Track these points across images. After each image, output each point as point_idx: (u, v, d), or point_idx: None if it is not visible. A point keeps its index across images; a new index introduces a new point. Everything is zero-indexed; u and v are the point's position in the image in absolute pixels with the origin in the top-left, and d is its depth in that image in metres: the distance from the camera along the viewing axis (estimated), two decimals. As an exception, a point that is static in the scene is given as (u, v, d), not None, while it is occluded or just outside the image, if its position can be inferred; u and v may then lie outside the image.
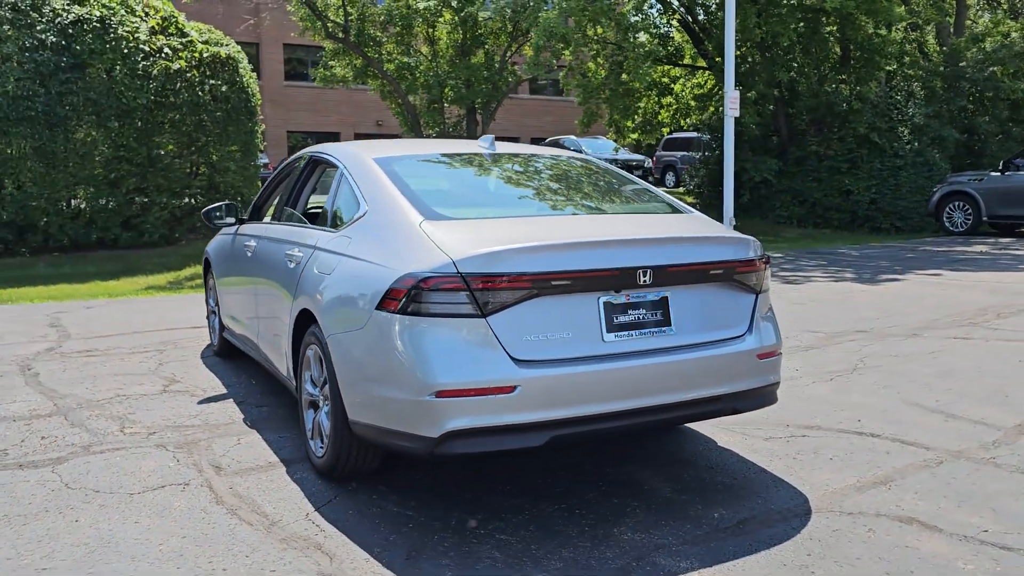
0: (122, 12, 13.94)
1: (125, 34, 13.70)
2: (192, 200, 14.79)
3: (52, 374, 5.74)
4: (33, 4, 13.22)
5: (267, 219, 5.28)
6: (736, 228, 16.33)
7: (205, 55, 14.65)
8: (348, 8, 18.80)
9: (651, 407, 3.25)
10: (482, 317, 3.03)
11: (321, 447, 3.73)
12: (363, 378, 3.31)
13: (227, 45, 15.24)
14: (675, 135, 26.22)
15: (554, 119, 36.92)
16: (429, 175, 4.11)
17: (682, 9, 19.86)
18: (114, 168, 13.82)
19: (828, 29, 18.75)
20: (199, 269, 10.55)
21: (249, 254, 5.03)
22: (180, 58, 14.29)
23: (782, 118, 19.42)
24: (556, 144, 26.36)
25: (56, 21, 13.24)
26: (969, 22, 23.78)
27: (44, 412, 4.84)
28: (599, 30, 17.96)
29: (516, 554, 3.04)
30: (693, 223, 3.86)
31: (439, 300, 3.04)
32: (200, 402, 5.05)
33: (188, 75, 14.32)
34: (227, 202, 5.55)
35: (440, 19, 19.66)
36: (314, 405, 3.85)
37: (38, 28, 13.06)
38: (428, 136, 20.18)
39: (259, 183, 15.54)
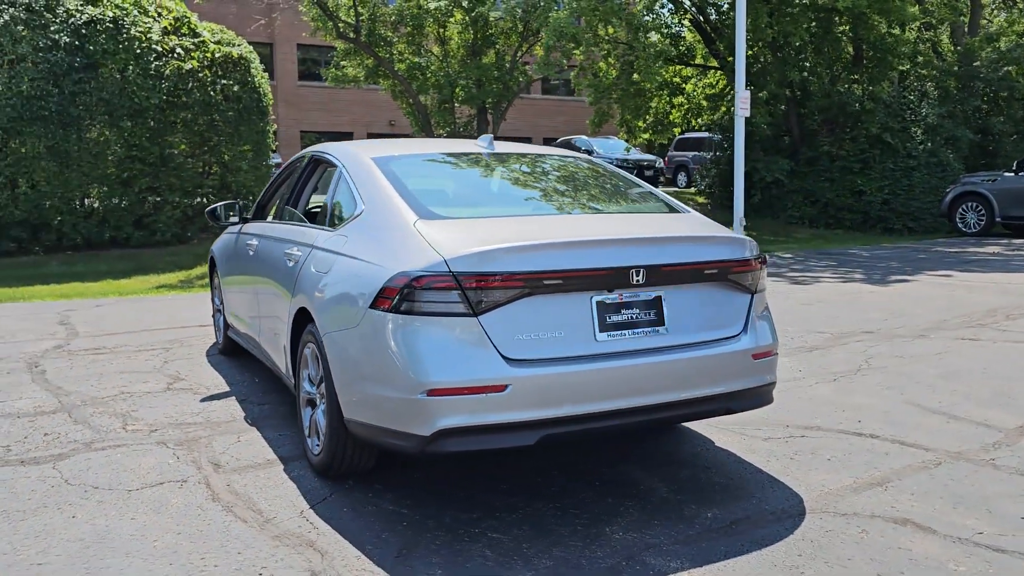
0: (135, 13, 14.05)
1: (138, 34, 13.81)
2: (204, 199, 14.87)
3: (59, 371, 5.80)
4: (47, 5, 13.35)
5: (269, 218, 5.31)
6: (747, 228, 16.28)
7: (217, 55, 14.74)
8: (359, 8, 18.86)
9: (644, 407, 3.25)
10: (474, 316, 3.04)
11: (318, 445, 3.75)
12: (357, 376, 3.33)
13: (239, 45, 15.33)
14: (687, 135, 26.15)
15: (567, 119, 36.89)
16: (426, 174, 4.12)
17: (693, 9, 19.81)
18: (127, 167, 13.93)
19: (841, 29, 18.65)
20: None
21: (251, 253, 5.06)
22: (192, 58, 14.38)
23: (794, 118, 19.33)
24: (567, 144, 26.33)
25: (69, 22, 13.35)
26: (984, 21, 23.59)
27: (49, 409, 4.89)
28: (610, 30, 17.93)
29: (507, 553, 3.05)
30: (689, 223, 3.86)
31: (431, 299, 3.05)
32: (203, 400, 5.09)
33: (200, 75, 14.42)
34: (231, 201, 5.59)
35: (451, 19, 19.68)
36: (311, 403, 3.87)
37: (52, 29, 13.19)
38: (439, 136, 20.21)
39: (270, 183, 15.59)
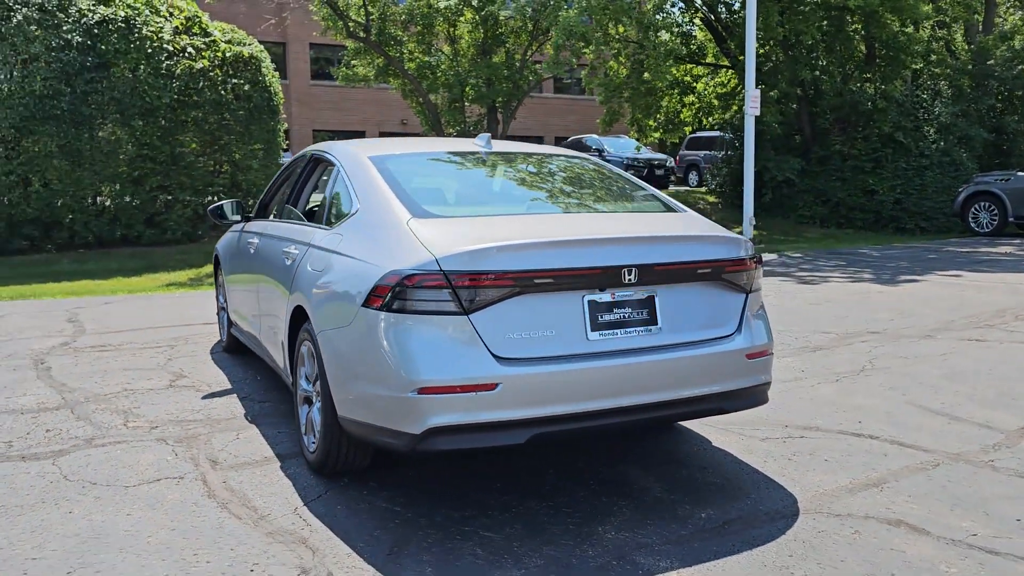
0: (146, 12, 14.14)
1: (149, 34, 13.90)
2: (215, 198, 14.95)
3: (64, 368, 5.85)
4: (60, 4, 13.46)
5: (271, 216, 5.34)
6: (757, 228, 16.23)
7: (228, 54, 14.82)
8: (369, 8, 18.90)
9: (636, 406, 3.24)
10: (464, 315, 3.05)
11: (313, 442, 3.77)
12: (351, 374, 3.34)
13: (250, 44, 15.40)
14: (699, 134, 26.07)
15: (578, 118, 36.85)
16: (423, 173, 4.13)
17: (704, 8, 19.74)
18: (138, 166, 14.04)
19: (853, 27, 18.54)
20: (216, 266, 10.68)
21: (252, 251, 5.09)
22: (203, 57, 14.46)
23: (805, 117, 19.24)
24: (578, 143, 26.31)
25: (82, 21, 13.46)
26: (998, 19, 23.39)
27: (52, 405, 4.93)
28: (620, 29, 17.90)
29: (498, 551, 3.06)
30: (684, 222, 3.85)
31: (422, 297, 3.06)
32: (204, 397, 5.12)
33: (211, 74, 14.50)
34: (233, 199, 5.62)
35: (461, 18, 19.70)
36: (308, 401, 3.89)
37: (64, 28, 13.29)
38: (449, 135, 20.23)
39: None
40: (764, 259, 13.08)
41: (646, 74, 18.28)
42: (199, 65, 14.33)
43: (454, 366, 3.04)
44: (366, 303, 3.20)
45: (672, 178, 26.44)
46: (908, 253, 13.75)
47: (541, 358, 3.12)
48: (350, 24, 18.96)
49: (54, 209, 13.50)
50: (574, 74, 23.36)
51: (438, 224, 3.37)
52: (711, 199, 21.42)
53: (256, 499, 3.53)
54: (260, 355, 5.16)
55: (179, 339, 6.90)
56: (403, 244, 3.25)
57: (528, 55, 20.35)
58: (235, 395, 5.16)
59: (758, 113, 14.16)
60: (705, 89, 21.59)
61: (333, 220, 3.98)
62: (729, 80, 20.91)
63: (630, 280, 3.25)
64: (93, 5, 13.69)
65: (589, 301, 3.23)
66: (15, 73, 12.94)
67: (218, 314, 6.66)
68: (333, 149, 4.44)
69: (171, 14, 14.66)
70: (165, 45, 14.06)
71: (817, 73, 18.83)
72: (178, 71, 14.07)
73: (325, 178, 4.39)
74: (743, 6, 16.56)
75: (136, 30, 13.81)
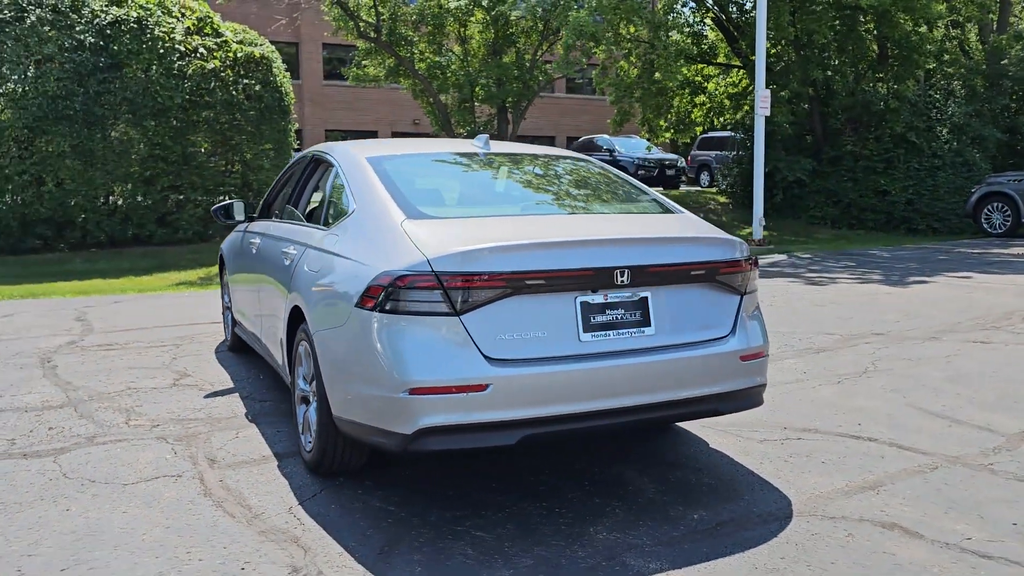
0: (159, 13, 14.25)
1: (161, 35, 14.00)
2: (226, 197, 15.03)
3: (69, 367, 5.90)
4: (73, 5, 13.58)
5: (273, 217, 5.37)
6: (767, 229, 16.18)
7: (239, 55, 14.91)
8: (379, 8, 18.95)
9: (628, 407, 3.24)
10: (455, 316, 3.06)
11: (310, 441, 3.79)
12: (345, 374, 3.36)
13: (261, 45, 15.49)
14: (711, 134, 25.99)
15: (591, 118, 36.78)
16: (420, 174, 4.14)
17: (715, 7, 19.68)
18: (150, 166, 14.14)
19: (865, 27, 18.44)
20: (226, 266, 10.74)
21: (254, 251, 5.13)
22: (215, 58, 14.55)
23: (817, 117, 19.16)
24: (589, 143, 26.27)
25: (95, 22, 13.57)
26: (1013, 19, 23.19)
27: (56, 403, 4.98)
28: (631, 28, 17.87)
29: (489, 551, 3.07)
30: (679, 223, 3.84)
31: (414, 298, 3.07)
32: (206, 396, 5.16)
33: (222, 74, 14.59)
34: (236, 200, 5.66)
35: (472, 18, 19.71)
36: (305, 400, 3.91)
37: (77, 29, 13.41)
38: (459, 135, 20.25)
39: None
40: (773, 260, 13.04)
41: (657, 74, 18.25)
42: (210, 65, 14.42)
43: (445, 367, 3.05)
44: (359, 303, 3.22)
45: (683, 178, 26.36)
46: (919, 254, 13.67)
47: (532, 359, 3.13)
48: (361, 24, 19.02)
49: (67, 209, 13.62)
50: (585, 74, 23.32)
51: (432, 225, 3.38)
52: (722, 199, 21.35)
53: (251, 498, 3.55)
54: (262, 354, 5.19)
55: (185, 338, 6.95)
56: (396, 245, 3.26)
57: (538, 55, 20.36)
58: (237, 394, 5.20)
59: (768, 113, 14.12)
60: (716, 89, 21.53)
61: (331, 221, 4.01)
62: (740, 80, 20.84)
63: (622, 281, 3.25)
64: (106, 6, 13.81)
65: (581, 302, 3.23)
66: (29, 73, 13.05)
67: (223, 313, 6.71)
68: (333, 150, 4.46)
69: (183, 15, 14.76)
70: (177, 46, 14.16)
71: (829, 73, 18.74)
72: (190, 71, 14.17)
73: (324, 179, 4.42)
74: (755, 6, 16.50)
75: (148, 31, 13.91)
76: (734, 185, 20.75)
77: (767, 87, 15.15)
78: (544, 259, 3.17)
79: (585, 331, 3.22)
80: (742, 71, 20.25)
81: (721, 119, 21.89)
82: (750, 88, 19.57)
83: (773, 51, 18.68)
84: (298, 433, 4.00)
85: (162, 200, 14.44)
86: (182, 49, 14.22)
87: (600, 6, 16.76)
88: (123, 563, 2.96)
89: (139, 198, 14.23)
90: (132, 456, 4.07)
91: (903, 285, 10.02)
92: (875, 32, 18.49)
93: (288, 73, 16.20)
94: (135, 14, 13.91)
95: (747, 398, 3.60)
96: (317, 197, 4.58)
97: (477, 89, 19.79)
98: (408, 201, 3.56)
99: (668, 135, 21.82)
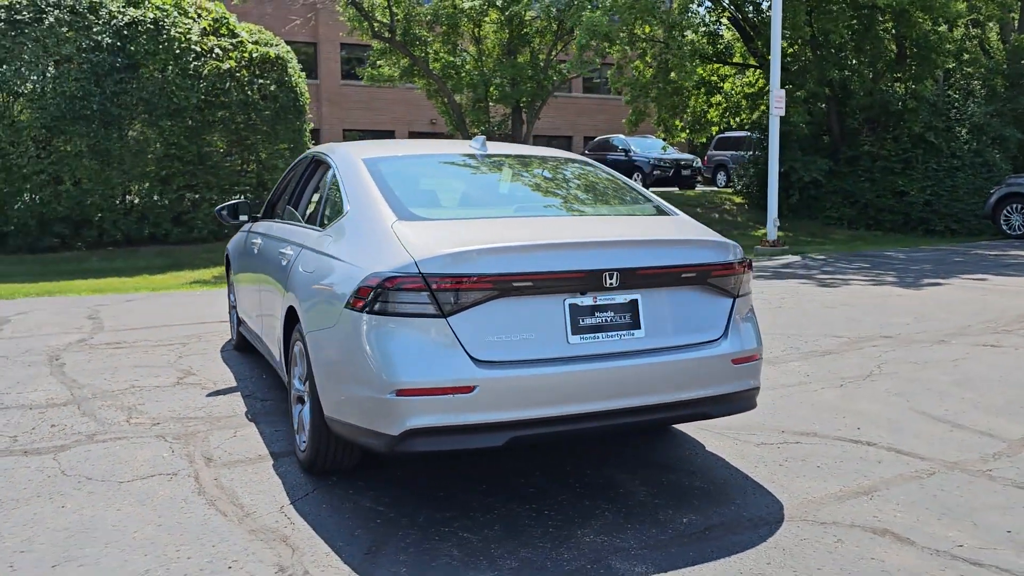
0: (175, 14, 14.37)
1: (178, 35, 14.12)
2: (241, 197, 15.15)
3: (76, 365, 5.97)
4: (90, 7, 13.72)
5: (275, 217, 5.40)
6: (783, 229, 16.07)
7: (255, 55, 15.00)
8: (394, 8, 19.02)
9: (616, 410, 3.24)
10: (442, 317, 3.07)
11: (304, 441, 3.81)
12: (336, 375, 3.38)
13: (276, 45, 15.58)
14: (727, 134, 25.87)
15: (608, 118, 36.69)
16: (415, 175, 4.15)
17: (732, 7, 19.58)
18: (166, 166, 14.27)
19: (883, 26, 18.27)
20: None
21: (255, 251, 5.17)
22: (230, 58, 14.66)
23: (834, 117, 19.01)
24: (605, 143, 26.20)
25: (112, 23, 13.71)
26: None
27: (60, 401, 5.04)
28: (646, 28, 17.81)
29: (474, 553, 3.07)
30: (673, 225, 3.83)
31: (402, 300, 3.09)
32: (209, 395, 5.20)
33: (238, 75, 14.69)
34: (239, 200, 5.70)
35: (486, 18, 19.74)
36: (301, 400, 3.93)
37: (95, 30, 13.55)
38: (473, 135, 20.28)
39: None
40: (786, 261, 12.96)
41: (672, 74, 18.18)
42: (226, 66, 14.53)
43: (432, 368, 3.06)
44: (349, 304, 3.24)
45: (699, 178, 26.24)
46: (935, 256, 13.53)
47: (520, 361, 3.13)
48: (375, 25, 19.09)
49: (84, 208, 13.77)
50: (602, 73, 23.25)
51: (422, 227, 3.39)
52: (737, 200, 21.24)
53: (244, 497, 3.58)
54: (263, 353, 5.23)
55: (192, 337, 7.01)
56: (386, 246, 3.28)
57: (553, 55, 20.34)
58: (238, 393, 5.24)
59: (783, 113, 14.03)
60: (732, 89, 21.42)
61: (326, 222, 4.03)
62: (757, 80, 20.72)
63: (611, 284, 3.25)
64: (123, 7, 13.95)
65: (570, 305, 3.23)
66: (48, 74, 13.21)
67: (229, 313, 6.76)
68: (333, 151, 4.48)
69: (199, 15, 14.88)
70: (193, 46, 14.28)
71: (846, 72, 18.59)
72: (205, 72, 14.28)
73: (323, 180, 4.44)
74: (771, 5, 16.40)
75: (165, 31, 14.03)
76: (750, 186, 20.64)
77: (783, 87, 15.05)
78: (532, 261, 3.17)
79: (574, 333, 3.22)
80: (758, 71, 20.13)
81: (737, 119, 21.77)
82: (766, 88, 19.44)
83: (790, 51, 18.57)
84: (294, 433, 4.02)
85: (178, 199, 14.57)
86: (198, 49, 14.34)
87: (615, 5, 16.72)
88: (112, 560, 2.99)
89: (155, 197, 14.36)
90: (130, 454, 4.11)
91: (916, 287, 9.93)
92: (893, 31, 18.33)
93: (303, 73, 16.29)
94: (152, 15, 14.04)
95: (739, 401, 3.58)
96: (316, 198, 4.61)
97: (491, 89, 19.82)
98: (400, 202, 3.58)
99: (684, 135, 21.73)
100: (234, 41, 14.95)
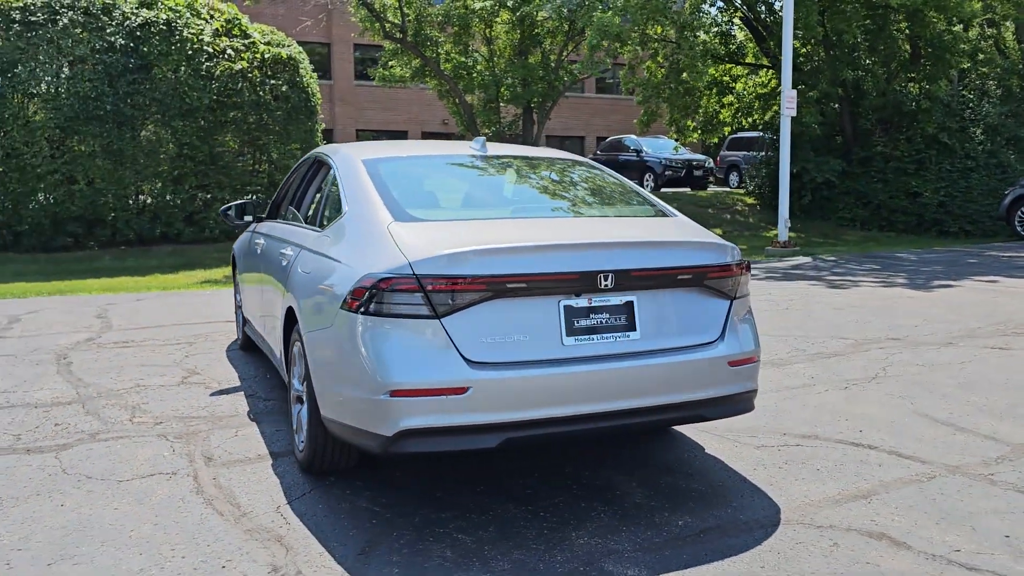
0: (188, 15, 14.46)
1: (190, 36, 14.21)
2: (252, 196, 15.22)
3: (83, 364, 6.02)
4: (104, 8, 13.83)
5: (278, 218, 5.43)
6: (795, 230, 16.00)
7: (267, 56, 15.08)
8: (405, 9, 19.06)
9: (610, 412, 3.23)
10: (436, 318, 3.07)
11: (303, 441, 3.83)
12: (332, 375, 3.39)
13: (288, 46, 15.66)
14: (740, 134, 25.75)
15: (620, 118, 36.63)
16: (414, 177, 4.16)
17: (744, 7, 19.50)
18: (178, 165, 14.37)
19: (896, 26, 18.15)
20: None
21: (258, 251, 5.20)
22: (242, 59, 14.74)
23: (847, 117, 18.90)
24: (617, 143, 26.15)
25: (125, 24, 13.82)
26: (1052, 18, 22.65)
27: (65, 400, 5.08)
28: (658, 29, 17.77)
29: (467, 554, 3.08)
30: (670, 227, 3.82)
31: (396, 301, 3.09)
32: (212, 394, 5.23)
33: (250, 75, 14.77)
34: (243, 201, 5.73)
35: (497, 19, 19.74)
36: (300, 400, 3.95)
37: (108, 31, 13.66)
38: (484, 135, 20.29)
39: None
40: (797, 262, 12.90)
41: (684, 74, 18.13)
42: (238, 66, 14.61)
43: (425, 369, 3.07)
44: (345, 305, 3.25)
45: (711, 179, 26.14)
46: (947, 257, 13.43)
47: (514, 362, 3.13)
48: (387, 25, 19.14)
49: (97, 207, 13.88)
50: (615, 73, 23.18)
51: (418, 228, 3.39)
52: (749, 201, 21.15)
53: (241, 496, 3.60)
54: (266, 353, 5.25)
55: (199, 336, 7.05)
56: (381, 247, 3.29)
57: (564, 55, 20.33)
58: (242, 392, 5.26)
59: (794, 114, 13.96)
60: (745, 89, 21.33)
61: (325, 222, 4.04)
62: (769, 80, 20.63)
63: (606, 286, 3.24)
64: (136, 8, 14.05)
65: (565, 306, 3.23)
66: (62, 75, 13.32)
67: (235, 312, 6.79)
68: (332, 152, 4.50)
69: (211, 16, 14.97)
70: (205, 47, 14.37)
71: (859, 73, 18.48)
72: (218, 72, 14.37)
73: (324, 180, 4.46)
74: (783, 5, 16.33)
75: (177, 32, 14.13)
76: (762, 186, 20.55)
77: (796, 87, 14.98)
78: (527, 263, 3.17)
79: (568, 335, 3.22)
80: (771, 71, 20.04)
81: (749, 119, 21.68)
82: (779, 88, 19.33)
83: (802, 51, 18.47)
84: (293, 433, 4.04)
85: (190, 199, 14.67)
86: (210, 50, 14.43)
87: (627, 6, 16.69)
88: (108, 559, 3.02)
89: (168, 197, 14.47)
90: (131, 453, 4.14)
91: (927, 289, 9.85)
92: (907, 31, 18.20)
93: (315, 74, 16.35)
94: (164, 16, 14.14)
95: (736, 404, 3.56)
96: (316, 198, 4.62)
97: (503, 89, 19.83)
98: (397, 203, 3.59)
99: (696, 136, 21.66)
100: (246, 42, 15.03)
